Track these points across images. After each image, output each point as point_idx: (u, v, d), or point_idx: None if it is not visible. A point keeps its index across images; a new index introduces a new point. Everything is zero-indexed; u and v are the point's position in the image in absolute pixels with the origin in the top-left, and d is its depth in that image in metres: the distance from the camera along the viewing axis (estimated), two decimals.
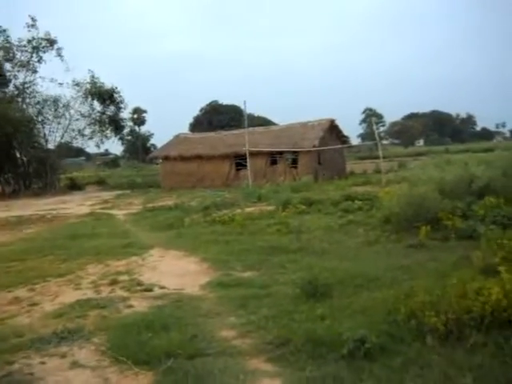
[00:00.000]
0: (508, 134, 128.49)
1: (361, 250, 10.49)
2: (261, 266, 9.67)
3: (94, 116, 46.76)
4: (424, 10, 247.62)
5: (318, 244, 11.32)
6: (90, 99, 46.08)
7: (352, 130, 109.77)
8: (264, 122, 66.80)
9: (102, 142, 48.93)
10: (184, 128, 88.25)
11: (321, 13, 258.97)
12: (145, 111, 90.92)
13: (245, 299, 7.38)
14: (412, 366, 4.78)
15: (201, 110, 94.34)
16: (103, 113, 47.12)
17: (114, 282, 9.13)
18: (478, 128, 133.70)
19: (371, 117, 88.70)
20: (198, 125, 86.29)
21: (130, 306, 7.61)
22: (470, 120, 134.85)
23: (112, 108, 47.36)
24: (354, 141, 78.78)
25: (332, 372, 4.74)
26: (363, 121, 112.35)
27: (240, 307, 7.09)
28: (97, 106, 46.83)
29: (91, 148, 63.54)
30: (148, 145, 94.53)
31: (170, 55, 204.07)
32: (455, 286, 5.89)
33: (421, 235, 10.68)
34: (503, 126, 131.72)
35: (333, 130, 38.26)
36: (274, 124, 56.53)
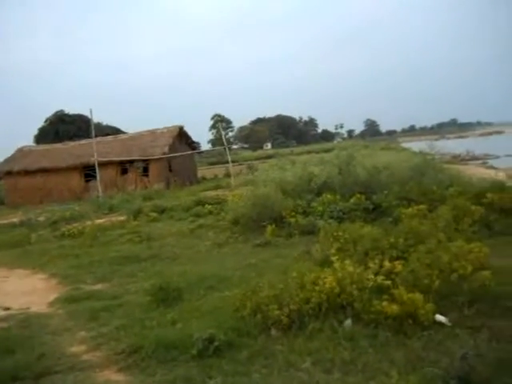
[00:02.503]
0: (346, 135, 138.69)
1: (211, 253, 10.82)
2: (112, 277, 9.59)
3: None
4: (268, 17, 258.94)
5: (169, 250, 11.48)
6: None
7: (202, 136, 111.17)
8: (113, 131, 64.65)
9: None
10: (29, 140, 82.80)
11: (162, 19, 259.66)
12: None
13: (95, 312, 7.28)
14: (258, 358, 5.11)
15: (46, 121, 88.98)
16: None
17: None
18: (320, 130, 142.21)
19: (220, 122, 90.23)
20: (43, 136, 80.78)
21: None
22: (312, 123, 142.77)
23: None
24: (205, 147, 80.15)
25: (182, 373, 4.90)
26: (212, 126, 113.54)
27: (91, 320, 6.99)
28: None
29: None
30: None
31: (13, 66, 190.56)
32: (295, 278, 6.35)
33: (267, 234, 11.27)
34: (341, 127, 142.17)
35: (182, 137, 38.41)
36: (123, 133, 55.21)
